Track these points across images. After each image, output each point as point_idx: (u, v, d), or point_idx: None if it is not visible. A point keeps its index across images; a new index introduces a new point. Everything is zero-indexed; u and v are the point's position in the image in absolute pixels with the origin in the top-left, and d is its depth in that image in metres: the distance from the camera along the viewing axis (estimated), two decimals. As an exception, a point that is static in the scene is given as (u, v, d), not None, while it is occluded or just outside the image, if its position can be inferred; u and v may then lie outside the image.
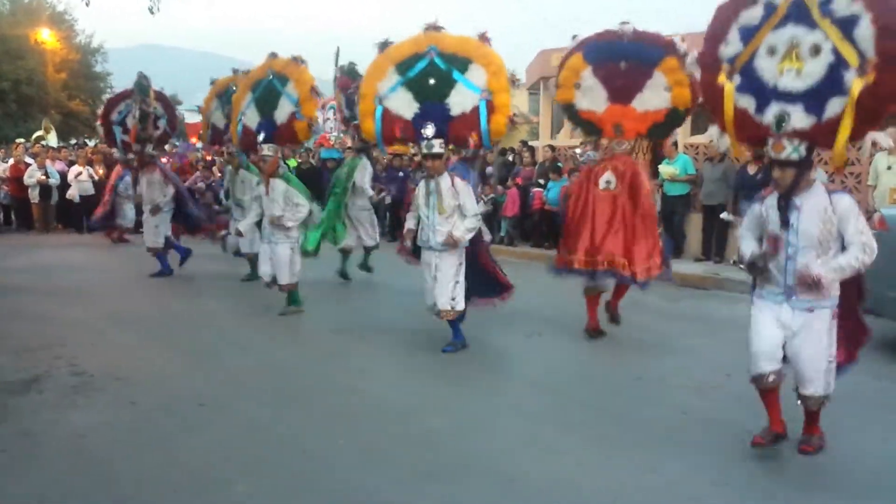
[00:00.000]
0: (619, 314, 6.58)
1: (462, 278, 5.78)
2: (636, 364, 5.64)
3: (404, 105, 5.81)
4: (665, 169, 10.27)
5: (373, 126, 5.89)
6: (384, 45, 5.95)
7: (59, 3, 31.71)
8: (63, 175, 14.96)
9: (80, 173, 14.82)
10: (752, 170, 9.08)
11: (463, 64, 5.70)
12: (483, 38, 5.77)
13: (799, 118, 3.60)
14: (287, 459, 3.83)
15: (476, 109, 5.63)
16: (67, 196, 14.84)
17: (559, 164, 11.92)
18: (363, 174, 8.65)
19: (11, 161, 15.22)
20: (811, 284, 3.57)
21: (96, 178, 14.83)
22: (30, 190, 14.71)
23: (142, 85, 9.11)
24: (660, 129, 6.34)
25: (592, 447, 3.99)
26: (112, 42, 36.59)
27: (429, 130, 5.63)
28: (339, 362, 5.66)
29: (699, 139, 11.01)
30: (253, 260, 8.70)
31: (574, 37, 6.44)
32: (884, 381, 5.04)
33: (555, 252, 6.67)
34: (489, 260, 6.18)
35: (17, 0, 30.49)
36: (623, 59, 6.08)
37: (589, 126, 6.44)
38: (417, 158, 10.25)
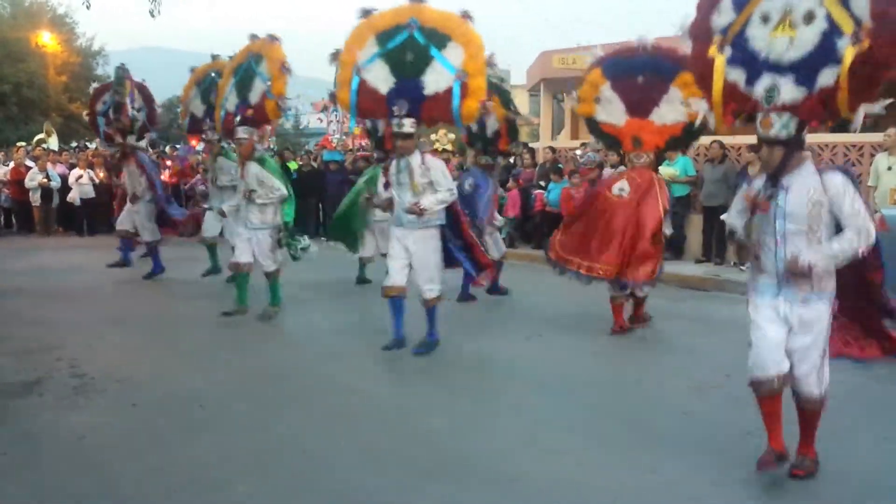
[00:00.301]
0: (647, 315, 6.77)
1: (441, 261, 5.82)
2: (636, 364, 5.65)
3: (380, 78, 5.60)
4: (665, 170, 10.23)
5: (348, 97, 5.71)
6: (367, 13, 5.72)
7: (59, 5, 31.89)
8: (64, 178, 14.99)
9: (80, 176, 14.86)
10: (753, 171, 9.08)
11: (441, 41, 5.47)
12: (465, 15, 5.53)
13: (789, 90, 3.41)
14: (287, 459, 3.83)
15: (449, 91, 5.42)
16: (68, 199, 14.88)
17: (560, 165, 11.94)
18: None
19: (12, 164, 15.25)
20: (802, 274, 3.35)
21: (97, 181, 14.86)
22: (31, 193, 14.74)
23: (119, 76, 9.14)
24: (677, 143, 6.63)
25: (592, 447, 3.99)
26: (113, 45, 36.64)
27: (401, 109, 5.49)
28: (339, 362, 5.66)
29: (699, 141, 11.01)
30: (213, 248, 9.14)
31: (595, 47, 6.70)
32: (884, 383, 5.03)
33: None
34: (470, 234, 6.14)
35: (18, 3, 30.56)
36: (640, 73, 6.27)
37: (609, 139, 6.68)
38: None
